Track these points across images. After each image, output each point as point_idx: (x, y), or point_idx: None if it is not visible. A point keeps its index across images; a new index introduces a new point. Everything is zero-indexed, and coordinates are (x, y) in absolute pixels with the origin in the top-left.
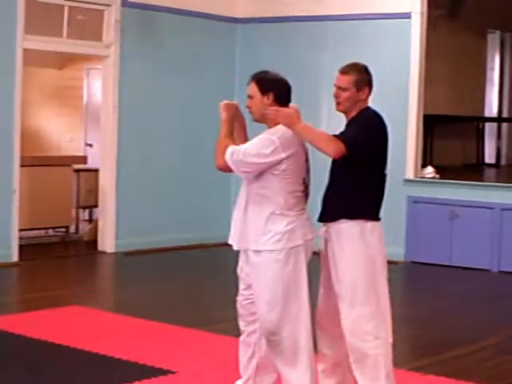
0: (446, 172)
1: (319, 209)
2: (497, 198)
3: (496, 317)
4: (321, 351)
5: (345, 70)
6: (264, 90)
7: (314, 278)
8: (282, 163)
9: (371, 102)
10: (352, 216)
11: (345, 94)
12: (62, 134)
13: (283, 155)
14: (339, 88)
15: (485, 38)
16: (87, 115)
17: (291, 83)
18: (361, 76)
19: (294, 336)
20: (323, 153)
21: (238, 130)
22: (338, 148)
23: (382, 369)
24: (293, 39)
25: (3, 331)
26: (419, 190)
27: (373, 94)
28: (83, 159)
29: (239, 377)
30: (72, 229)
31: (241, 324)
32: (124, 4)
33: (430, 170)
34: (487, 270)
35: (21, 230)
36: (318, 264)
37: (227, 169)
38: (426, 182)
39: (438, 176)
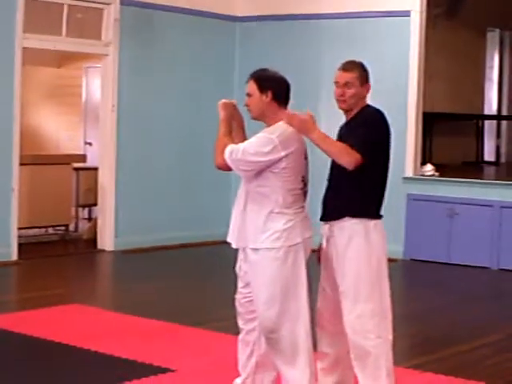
0: (445, 170)
1: (317, 207)
2: (496, 195)
3: (495, 314)
4: (320, 349)
5: (347, 67)
6: (263, 88)
7: (313, 276)
8: (281, 161)
9: (370, 100)
10: (355, 214)
11: (350, 91)
12: (61, 132)
13: (282, 153)
14: (345, 85)
15: (484, 37)
16: (86, 114)
17: (290, 81)
18: (362, 72)
19: (293, 334)
20: (338, 162)
21: (236, 129)
22: (354, 158)
23: (383, 367)
24: (292, 37)
25: (2, 330)
26: (418, 187)
27: (372, 91)
28: (82, 158)
29: (238, 375)
30: (71, 227)
31: (239, 322)
32: (123, 2)
33: (429, 168)
34: (487, 268)
35: (20, 229)
36: (316, 262)
37: (226, 167)
38: (425, 179)
39: (437, 174)
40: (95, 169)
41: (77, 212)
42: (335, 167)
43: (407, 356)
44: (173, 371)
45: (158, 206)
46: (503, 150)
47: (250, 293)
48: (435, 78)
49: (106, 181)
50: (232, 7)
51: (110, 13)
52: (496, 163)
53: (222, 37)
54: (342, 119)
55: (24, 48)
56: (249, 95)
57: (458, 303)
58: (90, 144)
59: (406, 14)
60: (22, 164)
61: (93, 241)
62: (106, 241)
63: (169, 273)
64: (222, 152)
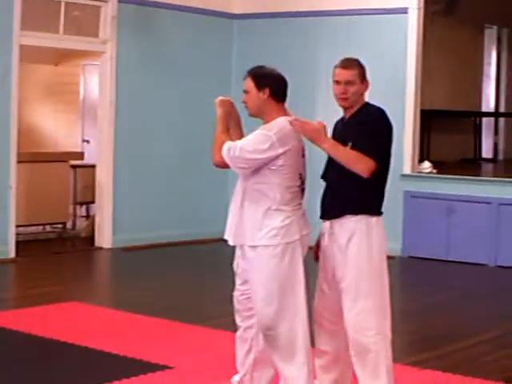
0: (443, 167)
1: (315, 204)
2: (494, 192)
3: (494, 311)
4: (318, 347)
5: (346, 65)
6: (260, 86)
7: (310, 273)
8: (278, 159)
9: (368, 97)
10: (357, 211)
11: (352, 89)
12: (58, 130)
13: (280, 151)
14: (346, 83)
15: (482, 34)
16: (84, 111)
17: (288, 79)
18: (361, 69)
19: (291, 331)
20: (353, 170)
21: (233, 126)
22: (369, 166)
23: (382, 364)
24: (289, 35)
25: (0, 328)
26: (416, 184)
27: (370, 89)
28: (80, 155)
29: (236, 372)
30: (69, 225)
31: (237, 319)
32: (120, 0)
33: (427, 165)
34: (485, 265)
35: (18, 226)
36: (312, 259)
37: (224, 165)
38: (423, 176)
39: (435, 171)
40: (93, 166)
41: (74, 209)
42: (335, 165)
43: (406, 353)
44: (171, 368)
45: (155, 203)
46: (501, 146)
47: (247, 290)
48: (433, 75)
49: (104, 178)
50: (229, 4)
51: (108, 10)
52: (494, 160)
53: (220, 34)
54: (339, 115)
55: (21, 45)
56: (246, 92)
57: (457, 300)
58: (87, 142)
59: (404, 11)
60: (19, 162)
61: (90, 238)
62: (104, 238)
63: (166, 270)
64: (220, 149)
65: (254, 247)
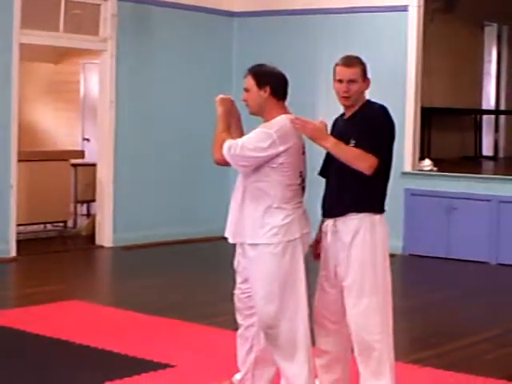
0: (443, 164)
1: (316, 202)
2: (495, 190)
3: (495, 309)
4: (319, 347)
5: (348, 63)
6: (261, 84)
7: (310, 272)
8: (279, 156)
9: (369, 95)
10: (361, 209)
11: (355, 87)
12: (59, 128)
13: (281, 148)
14: (349, 81)
15: (482, 31)
16: (84, 110)
17: (288, 77)
18: (363, 67)
19: (292, 329)
20: (355, 168)
21: (233, 125)
22: (371, 163)
23: (386, 362)
24: (290, 33)
25: (1, 326)
26: (417, 182)
27: (370, 86)
28: (81, 154)
29: (238, 370)
30: (70, 223)
31: (238, 318)
32: None
33: (427, 163)
34: (485, 263)
35: (19, 225)
36: (311, 258)
37: (225, 163)
38: (423, 174)
39: (435, 169)
40: (93, 165)
41: (75, 208)
42: (337, 164)
43: (407, 351)
44: (172, 367)
45: (156, 201)
46: (501, 144)
47: (248, 288)
48: (433, 73)
49: (105, 177)
50: (229, 2)
51: (108, 8)
52: (494, 158)
53: (220, 32)
54: (340, 112)
55: (21, 44)
56: (246, 90)
57: (457, 298)
58: (88, 140)
59: (404, 8)
60: (20, 160)
61: (91, 237)
62: (105, 237)
63: (167, 269)
64: (221, 147)
65: (254, 245)
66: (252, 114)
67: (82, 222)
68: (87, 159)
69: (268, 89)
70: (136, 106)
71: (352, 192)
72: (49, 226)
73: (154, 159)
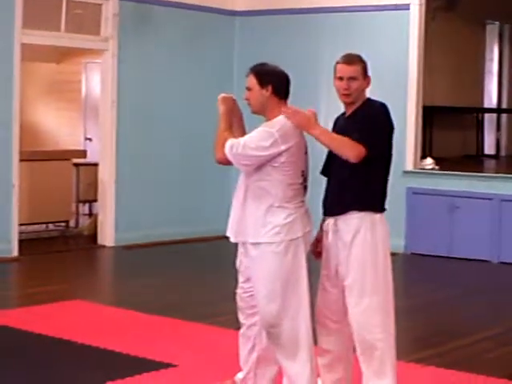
0: (445, 163)
1: (317, 201)
2: (496, 188)
3: (496, 308)
4: (321, 346)
5: (349, 60)
6: (263, 83)
7: (312, 271)
8: (281, 156)
9: (370, 94)
10: (361, 208)
11: (355, 84)
12: (60, 128)
13: (283, 147)
14: (349, 79)
15: (484, 29)
16: (86, 109)
17: (290, 76)
18: (363, 65)
19: (294, 328)
20: (343, 157)
21: (235, 124)
22: (358, 151)
23: (388, 361)
24: (291, 31)
25: (4, 326)
26: (419, 181)
27: (372, 85)
28: (82, 153)
29: (240, 370)
30: (72, 223)
31: (240, 317)
32: None
33: (429, 162)
34: (487, 261)
35: (21, 225)
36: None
37: (227, 162)
38: (425, 173)
39: (437, 167)
40: (95, 164)
41: (77, 208)
42: (338, 162)
43: (409, 350)
44: (175, 366)
45: (158, 201)
46: (503, 143)
47: (250, 287)
48: (435, 72)
49: (107, 176)
50: (231, 1)
51: (109, 8)
52: (496, 156)
53: (221, 31)
54: (341, 111)
55: (23, 44)
56: (248, 89)
57: (459, 297)
58: (89, 139)
59: (406, 7)
60: (22, 160)
61: (93, 236)
62: (107, 236)
63: (169, 268)
64: (223, 146)
65: (256, 244)
66: (254, 112)
67: (84, 222)
68: (89, 159)
69: (270, 88)
70: (137, 105)
71: (353, 191)
72: (51, 226)
73: (155, 158)
